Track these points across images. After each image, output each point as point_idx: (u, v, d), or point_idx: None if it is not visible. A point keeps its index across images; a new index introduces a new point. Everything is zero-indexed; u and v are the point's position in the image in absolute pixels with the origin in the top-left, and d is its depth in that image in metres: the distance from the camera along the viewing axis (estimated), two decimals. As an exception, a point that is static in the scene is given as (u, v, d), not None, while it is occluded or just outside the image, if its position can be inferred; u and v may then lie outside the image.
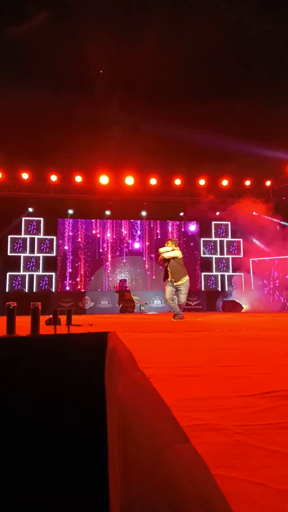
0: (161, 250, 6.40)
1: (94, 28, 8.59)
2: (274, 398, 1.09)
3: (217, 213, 11.92)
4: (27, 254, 11.13)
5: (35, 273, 11.12)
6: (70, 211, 11.40)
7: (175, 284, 6.17)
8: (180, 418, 0.82)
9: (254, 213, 11.53)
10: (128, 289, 11.09)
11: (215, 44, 8.46)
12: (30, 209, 11.26)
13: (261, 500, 0.56)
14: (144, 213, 11.63)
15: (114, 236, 11.47)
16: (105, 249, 11.38)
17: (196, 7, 7.92)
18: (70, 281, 11.19)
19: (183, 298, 6.14)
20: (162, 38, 8.54)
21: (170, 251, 6.27)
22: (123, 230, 11.54)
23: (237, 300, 10.35)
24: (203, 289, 11.65)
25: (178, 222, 11.93)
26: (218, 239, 12.02)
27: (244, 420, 0.90)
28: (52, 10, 8.34)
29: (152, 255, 10.93)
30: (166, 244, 6.42)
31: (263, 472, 0.64)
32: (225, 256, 12.02)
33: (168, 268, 6.25)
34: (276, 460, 0.69)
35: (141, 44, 8.45)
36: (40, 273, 11.17)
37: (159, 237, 11.57)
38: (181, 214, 11.83)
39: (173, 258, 6.20)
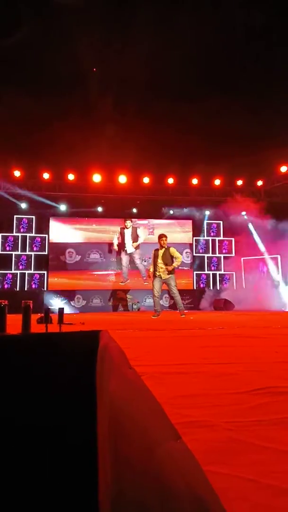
0: (179, 257, 6.45)
1: (87, 26, 8.54)
2: (265, 395, 1.10)
3: (207, 212, 11.97)
4: (19, 252, 11.04)
5: (26, 272, 11.03)
6: (63, 207, 11.31)
7: (163, 278, 6.32)
8: (171, 415, 0.81)
9: (243, 213, 11.62)
10: (124, 281, 11.03)
11: (206, 42, 8.47)
12: (23, 205, 11.15)
13: (253, 495, 0.56)
14: (134, 210, 11.61)
15: (106, 233, 11.42)
16: (98, 247, 11.33)
17: (186, 5, 7.92)
18: (62, 280, 11.13)
19: (175, 289, 6.34)
20: (155, 36, 8.52)
21: (168, 251, 6.37)
22: (115, 227, 11.51)
23: (228, 299, 10.40)
24: (195, 288, 11.69)
25: (171, 220, 11.94)
26: (210, 238, 12.07)
27: (236, 417, 0.90)
28: (43, 9, 8.27)
29: (148, 257, 10.90)
30: (161, 241, 6.42)
31: (254, 468, 0.64)
32: (217, 255, 12.08)
33: (159, 264, 6.34)
34: (267, 456, 0.70)
35: (134, 43, 8.42)
36: (32, 271, 11.08)
37: (152, 235, 11.56)
38: (171, 212, 11.83)
39: (175, 257, 6.37)
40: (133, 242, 10.84)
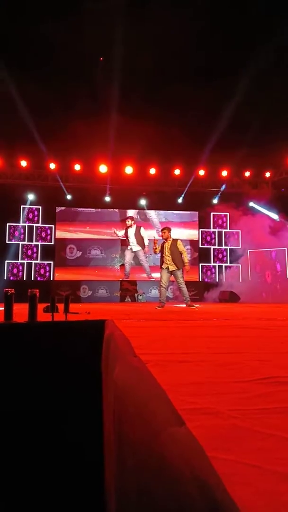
0: (183, 251, 6.47)
1: (94, 15, 8.40)
2: (270, 384, 1.10)
3: (215, 201, 11.89)
4: (26, 242, 11.10)
5: (33, 261, 11.11)
6: (69, 197, 11.32)
7: (170, 270, 6.47)
8: (176, 402, 0.81)
9: (251, 203, 11.55)
10: (125, 278, 11.09)
11: (213, 27, 8.29)
12: (31, 196, 11.16)
13: (257, 481, 0.56)
14: (143, 202, 11.58)
15: (113, 224, 11.41)
16: (99, 243, 11.34)
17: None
18: (67, 270, 11.18)
19: (182, 280, 6.51)
20: (162, 23, 8.37)
21: (175, 243, 6.47)
22: (121, 217, 11.49)
23: (234, 291, 10.38)
24: (200, 279, 11.67)
25: (177, 212, 11.88)
26: (216, 230, 12.01)
27: (240, 405, 0.90)
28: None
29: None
30: (163, 234, 6.59)
31: (258, 455, 0.64)
32: (223, 247, 12.03)
33: (166, 256, 6.45)
34: (272, 443, 0.70)
35: (141, 30, 8.27)
36: (38, 261, 11.16)
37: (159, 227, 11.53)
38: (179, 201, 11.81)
39: (180, 251, 6.48)
40: (137, 243, 10.91)
